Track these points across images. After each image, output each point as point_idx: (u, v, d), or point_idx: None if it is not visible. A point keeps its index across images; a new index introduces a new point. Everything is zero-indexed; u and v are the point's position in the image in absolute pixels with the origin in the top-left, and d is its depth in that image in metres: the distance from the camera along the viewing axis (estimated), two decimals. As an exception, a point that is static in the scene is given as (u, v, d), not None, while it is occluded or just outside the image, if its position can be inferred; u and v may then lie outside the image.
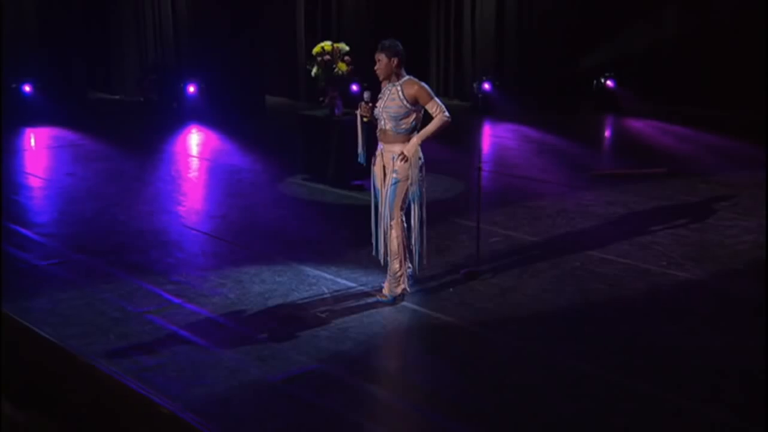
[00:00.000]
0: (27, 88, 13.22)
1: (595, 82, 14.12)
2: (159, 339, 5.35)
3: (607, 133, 13.32)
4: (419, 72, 13.60)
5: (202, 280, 6.38)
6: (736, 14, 12.62)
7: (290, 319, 5.65)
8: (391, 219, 5.74)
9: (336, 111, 9.14)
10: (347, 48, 9.01)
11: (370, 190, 6.09)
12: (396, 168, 5.67)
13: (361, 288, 6.17)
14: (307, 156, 9.50)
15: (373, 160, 5.93)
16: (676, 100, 13.22)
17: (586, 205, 8.53)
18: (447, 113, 5.63)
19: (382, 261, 5.95)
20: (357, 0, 14.99)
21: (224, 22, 13.84)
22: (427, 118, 5.74)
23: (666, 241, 7.28)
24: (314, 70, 8.96)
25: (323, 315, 5.70)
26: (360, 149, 6.06)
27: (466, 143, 11.31)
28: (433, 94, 5.68)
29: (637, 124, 13.00)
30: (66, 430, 4.59)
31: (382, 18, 14.73)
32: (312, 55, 8.97)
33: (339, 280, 6.37)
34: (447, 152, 10.11)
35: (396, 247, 5.78)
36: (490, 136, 12.73)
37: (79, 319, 5.67)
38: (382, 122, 5.74)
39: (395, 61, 5.67)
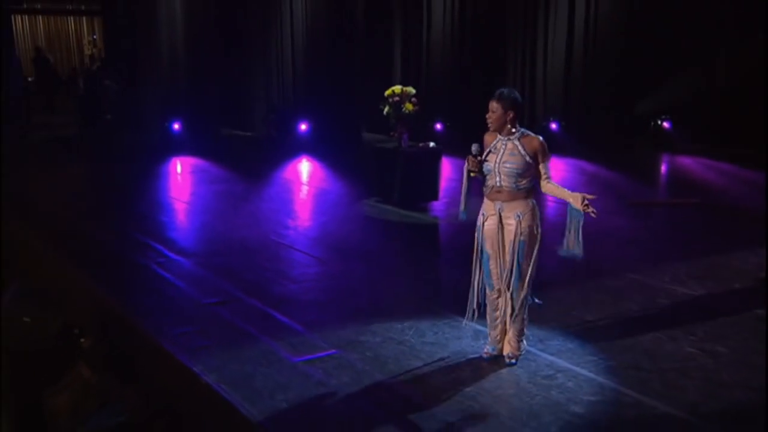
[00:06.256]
0: (176, 126, 13.96)
1: (652, 122, 13.66)
2: (216, 325, 5.55)
3: (655, 168, 12.80)
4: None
5: (266, 280, 6.59)
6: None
7: (326, 312, 5.77)
8: (521, 280, 4.73)
9: (403, 143, 9.27)
10: (414, 91, 9.15)
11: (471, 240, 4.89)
12: (523, 229, 4.67)
13: (396, 291, 6.22)
14: (379, 181, 9.65)
15: (481, 220, 4.79)
16: (727, 140, 12.56)
17: (615, 228, 8.26)
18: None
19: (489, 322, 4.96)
20: (443, 49, 15.16)
21: (334, 70, 14.25)
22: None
23: (676, 261, 6.98)
24: (386, 109, 9.14)
25: (354, 309, 5.79)
26: (463, 206, 4.82)
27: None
28: (548, 155, 4.69)
29: (686, 161, 12.48)
30: (127, 390, 4.89)
31: (466, 63, 14.86)
32: (384, 96, 9.15)
33: (379, 285, 6.45)
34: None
35: (522, 306, 4.80)
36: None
37: (159, 305, 5.99)
38: (498, 179, 4.65)
39: (511, 114, 4.61)
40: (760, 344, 5.04)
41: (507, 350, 4.89)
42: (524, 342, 4.94)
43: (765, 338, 5.06)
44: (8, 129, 14.86)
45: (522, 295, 4.77)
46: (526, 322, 4.88)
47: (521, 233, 4.67)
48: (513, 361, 4.84)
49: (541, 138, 4.69)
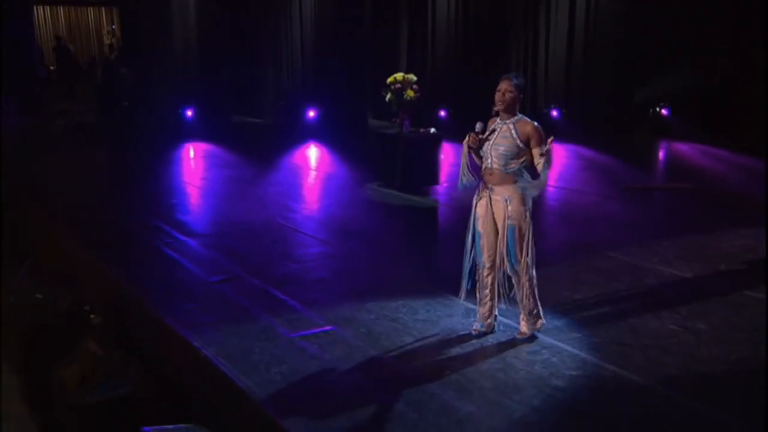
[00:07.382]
0: (189, 113, 14.04)
1: (651, 110, 13.62)
2: (220, 302, 5.63)
3: (653, 154, 12.75)
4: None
5: (270, 260, 6.66)
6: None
7: (325, 291, 5.85)
8: (517, 263, 4.72)
9: (404, 129, 9.30)
10: (415, 78, 9.17)
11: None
12: (510, 213, 4.66)
13: (394, 272, 6.27)
14: (381, 166, 9.69)
15: (475, 200, 4.84)
16: (726, 130, 12.46)
17: (611, 213, 8.31)
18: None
19: (478, 300, 4.98)
20: (447, 39, 15.14)
21: (342, 59, 14.24)
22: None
23: (667, 244, 7.00)
24: (388, 95, 9.17)
25: (352, 288, 5.86)
26: (462, 175, 4.81)
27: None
28: (543, 140, 4.59)
29: (683, 147, 12.43)
30: (132, 364, 4.99)
31: (470, 51, 14.85)
32: (386, 83, 9.17)
33: (377, 266, 6.51)
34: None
35: (530, 289, 4.80)
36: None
37: (165, 283, 6.07)
38: (489, 161, 4.68)
39: (521, 96, 4.69)
40: (740, 322, 5.09)
41: (522, 327, 4.90)
42: (542, 320, 4.90)
43: (765, 318, 5.04)
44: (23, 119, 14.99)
45: (526, 281, 4.75)
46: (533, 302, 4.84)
47: (509, 217, 4.66)
48: (521, 338, 4.85)
49: (535, 123, 4.68)
